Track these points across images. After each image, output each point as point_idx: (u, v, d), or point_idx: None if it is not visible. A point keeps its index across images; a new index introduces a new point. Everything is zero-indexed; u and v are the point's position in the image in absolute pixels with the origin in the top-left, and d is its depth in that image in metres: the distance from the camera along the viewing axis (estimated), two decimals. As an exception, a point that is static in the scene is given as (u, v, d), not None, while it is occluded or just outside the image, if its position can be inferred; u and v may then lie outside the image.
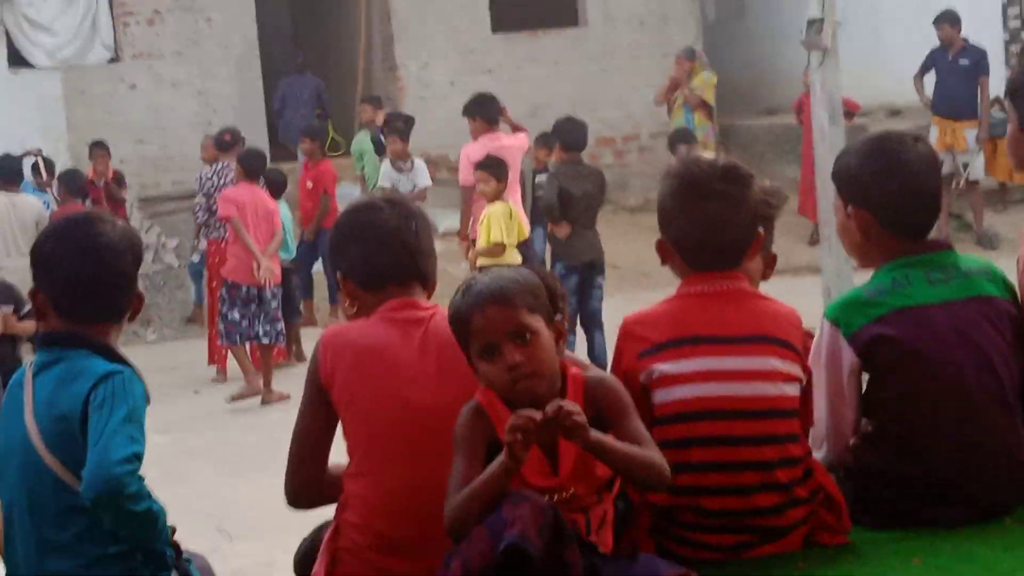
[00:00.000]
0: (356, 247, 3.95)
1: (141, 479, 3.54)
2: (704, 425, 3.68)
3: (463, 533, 3.31)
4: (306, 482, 3.88)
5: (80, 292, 3.74)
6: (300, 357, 13.08)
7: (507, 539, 3.18)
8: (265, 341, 12.40)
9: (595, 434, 3.30)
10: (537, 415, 3.24)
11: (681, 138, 15.29)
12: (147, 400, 3.70)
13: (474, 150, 11.74)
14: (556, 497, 3.38)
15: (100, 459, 3.47)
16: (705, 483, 3.67)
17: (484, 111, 12.26)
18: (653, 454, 3.41)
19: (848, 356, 3.88)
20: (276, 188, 13.10)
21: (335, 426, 3.84)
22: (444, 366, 3.72)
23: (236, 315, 12.27)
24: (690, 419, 3.69)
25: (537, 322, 3.43)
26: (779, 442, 3.71)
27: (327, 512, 3.96)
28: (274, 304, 12.48)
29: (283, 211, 13.06)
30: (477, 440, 3.43)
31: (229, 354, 13.22)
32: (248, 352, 12.48)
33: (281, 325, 12.59)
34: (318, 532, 4.23)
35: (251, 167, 12.53)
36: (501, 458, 3.29)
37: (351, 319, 3.96)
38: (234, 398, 12.08)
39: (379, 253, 3.90)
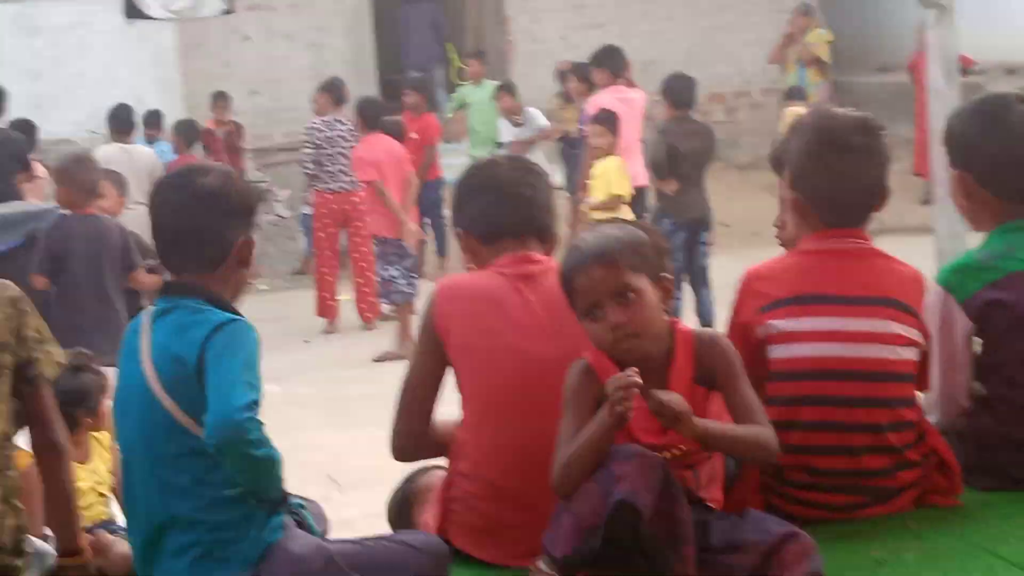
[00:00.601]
0: (474, 201, 3.99)
1: (261, 425, 3.56)
2: (817, 384, 3.68)
3: (570, 490, 3.35)
4: (412, 431, 3.92)
5: (171, 242, 3.81)
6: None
7: (617, 495, 3.21)
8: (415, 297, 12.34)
9: (699, 422, 3.31)
10: (637, 378, 3.25)
11: (793, 95, 15.17)
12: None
13: (602, 101, 11.81)
14: (665, 454, 3.40)
15: (223, 406, 3.51)
16: (815, 442, 3.68)
17: (611, 63, 12.39)
18: (760, 431, 3.41)
19: (962, 321, 3.84)
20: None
21: (444, 376, 3.87)
22: (555, 319, 3.73)
23: (395, 272, 12.17)
24: (803, 378, 3.69)
25: (640, 281, 3.42)
26: (891, 406, 3.70)
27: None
28: (415, 258, 12.45)
29: None
30: (586, 399, 3.45)
31: (338, 304, 13.35)
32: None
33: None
34: (410, 481, 4.27)
35: (372, 116, 12.50)
36: (604, 416, 3.31)
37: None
38: (380, 358, 11.85)
39: (496, 206, 3.93)
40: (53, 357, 3.96)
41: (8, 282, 3.91)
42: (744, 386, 3.46)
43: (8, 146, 12.45)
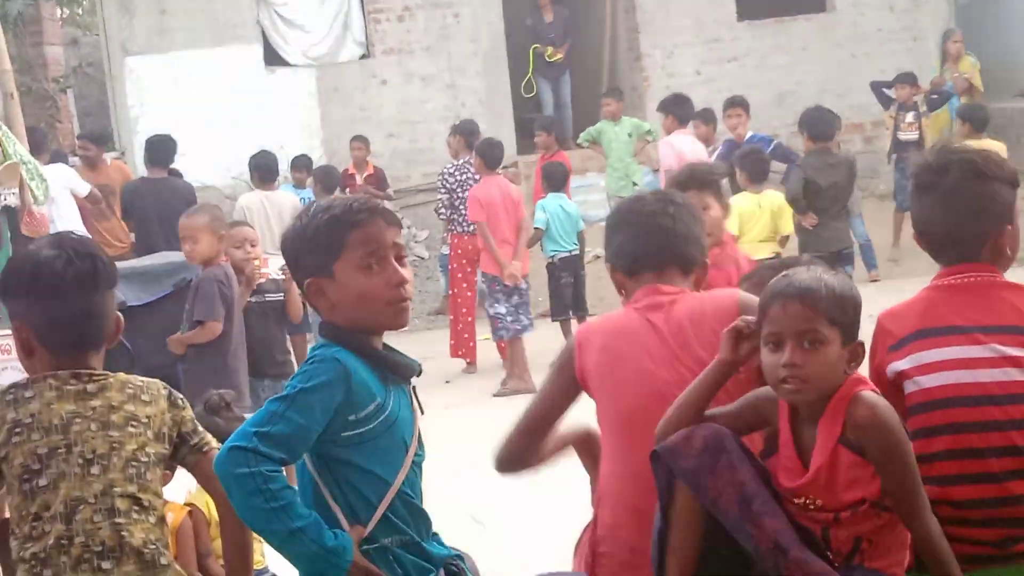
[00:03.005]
0: (616, 236, 4.08)
1: (253, 460, 3.33)
2: (948, 412, 3.66)
3: (670, 430, 3.53)
4: (517, 449, 4.07)
5: None
6: None
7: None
8: (530, 331, 12.56)
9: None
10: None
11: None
12: (344, 380, 3.47)
13: (675, 142, 13.21)
14: (802, 500, 3.41)
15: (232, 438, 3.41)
16: (954, 471, 3.64)
17: (678, 110, 13.71)
18: (932, 535, 3.41)
19: None
20: (556, 181, 13.23)
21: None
22: (683, 346, 3.79)
23: (501, 309, 12.42)
24: (935, 407, 3.68)
25: (831, 333, 3.42)
26: None
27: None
28: (524, 294, 12.63)
29: (566, 204, 13.24)
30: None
31: (476, 344, 13.42)
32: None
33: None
34: None
35: (491, 157, 12.69)
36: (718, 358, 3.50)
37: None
38: (500, 393, 12.12)
39: (634, 239, 4.02)
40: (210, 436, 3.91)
41: (158, 380, 3.86)
42: (899, 474, 3.40)
43: (186, 194, 12.89)
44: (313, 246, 3.60)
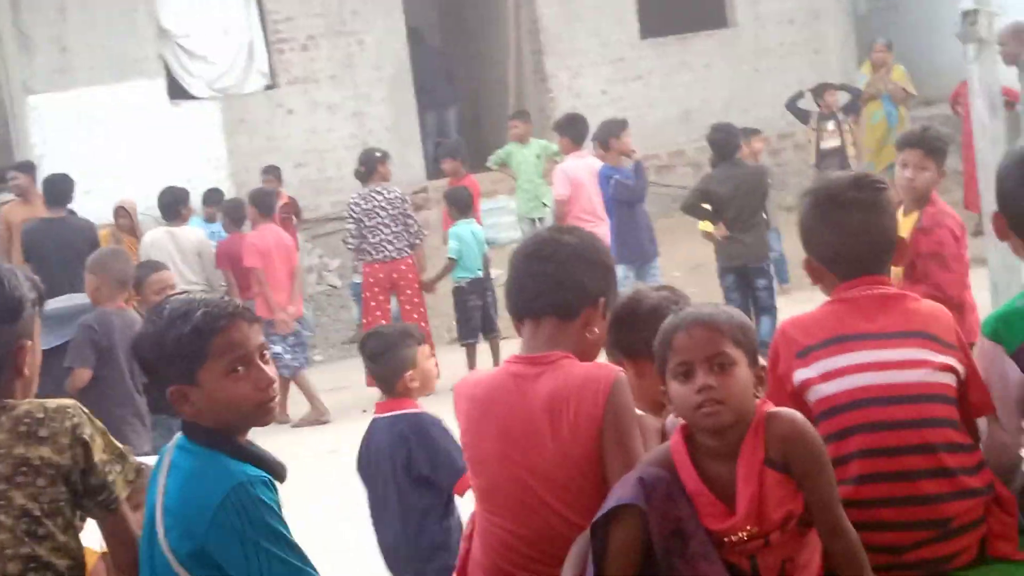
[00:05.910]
0: (509, 278, 3.98)
1: None
2: (862, 413, 3.66)
3: None
4: None
5: None
6: None
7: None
8: (304, 369, 13.26)
9: None
10: None
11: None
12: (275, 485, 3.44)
13: (569, 167, 13.06)
14: (731, 537, 3.39)
15: None
16: (869, 470, 3.63)
17: (573, 131, 13.50)
18: (852, 547, 3.43)
19: (1014, 374, 3.74)
20: (463, 206, 13.33)
21: None
22: (535, 432, 3.70)
23: (278, 348, 12.79)
24: (848, 409, 3.68)
25: (738, 355, 3.43)
26: (939, 425, 3.66)
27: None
28: (307, 334, 13.47)
29: (475, 229, 13.40)
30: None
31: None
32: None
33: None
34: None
35: (264, 204, 13.30)
36: None
37: None
38: (298, 423, 12.79)
39: (511, 284, 3.91)
40: (125, 475, 3.65)
41: (70, 409, 3.57)
42: (823, 486, 3.42)
43: (88, 233, 12.78)
44: (174, 356, 3.44)
